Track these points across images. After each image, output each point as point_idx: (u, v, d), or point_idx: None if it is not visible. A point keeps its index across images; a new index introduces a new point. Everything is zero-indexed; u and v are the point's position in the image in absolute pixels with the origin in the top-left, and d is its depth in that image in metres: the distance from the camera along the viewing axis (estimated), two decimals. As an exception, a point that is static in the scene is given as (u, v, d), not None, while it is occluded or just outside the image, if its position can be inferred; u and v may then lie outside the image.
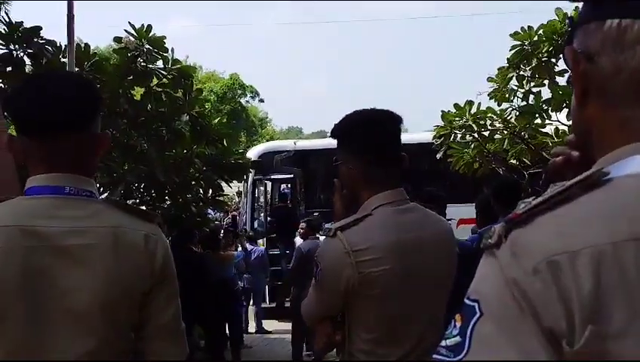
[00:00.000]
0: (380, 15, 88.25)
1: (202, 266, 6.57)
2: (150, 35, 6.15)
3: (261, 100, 36.89)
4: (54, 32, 6.66)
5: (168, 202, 6.94)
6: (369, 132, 1.65)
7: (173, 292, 1.38)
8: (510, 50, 5.88)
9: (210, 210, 9.53)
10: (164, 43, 6.20)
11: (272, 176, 9.63)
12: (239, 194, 13.86)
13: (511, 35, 5.81)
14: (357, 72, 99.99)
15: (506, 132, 6.45)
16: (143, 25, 6.19)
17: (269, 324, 8.89)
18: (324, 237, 1.60)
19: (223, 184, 6.85)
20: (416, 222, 1.63)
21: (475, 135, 6.44)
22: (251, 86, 34.90)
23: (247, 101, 35.50)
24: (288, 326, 7.38)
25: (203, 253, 7.27)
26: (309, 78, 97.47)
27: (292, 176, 9.53)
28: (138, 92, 6.81)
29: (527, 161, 6.48)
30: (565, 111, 6.18)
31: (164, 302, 1.35)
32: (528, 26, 5.74)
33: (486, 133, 6.47)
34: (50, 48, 6.00)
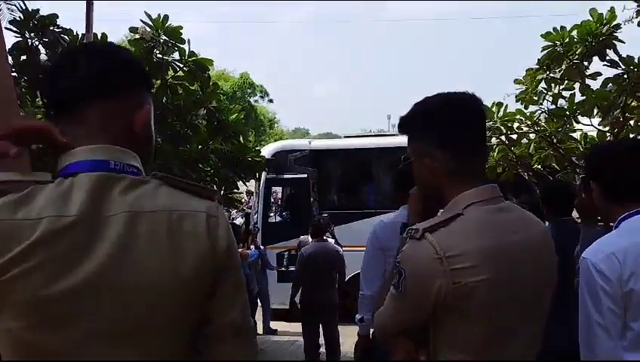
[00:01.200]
0: (394, 16, 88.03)
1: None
2: (167, 25, 5.97)
3: (270, 100, 36.81)
4: (71, 23, 6.52)
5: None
6: (459, 117, 1.41)
7: (239, 283, 1.17)
8: (542, 50, 5.66)
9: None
10: (181, 34, 6.02)
11: (286, 176, 9.42)
12: (249, 193, 13.68)
13: (542, 36, 5.59)
14: (366, 75, 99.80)
15: (533, 136, 6.23)
16: (159, 15, 6.02)
17: (275, 325, 8.75)
18: (409, 239, 1.34)
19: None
20: (515, 224, 1.39)
21: (503, 138, 6.22)
22: (261, 85, 34.82)
23: (257, 101, 35.42)
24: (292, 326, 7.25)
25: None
26: (318, 79, 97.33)
27: (306, 175, 9.33)
28: (154, 84, 6.64)
29: (555, 166, 6.25)
30: (596, 115, 5.97)
31: (229, 296, 1.14)
32: (561, 27, 5.52)
33: (514, 136, 6.26)
34: (66, 37, 5.85)
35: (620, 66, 5.31)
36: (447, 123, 1.40)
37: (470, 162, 1.40)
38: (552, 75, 5.85)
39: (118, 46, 1.31)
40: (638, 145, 1.97)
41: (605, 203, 1.94)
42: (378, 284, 3.38)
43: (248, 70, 35.87)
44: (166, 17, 5.97)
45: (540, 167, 6.60)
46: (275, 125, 41.13)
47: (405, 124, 1.50)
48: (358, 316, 3.56)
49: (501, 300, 1.30)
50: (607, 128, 5.88)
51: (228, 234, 1.15)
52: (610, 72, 5.49)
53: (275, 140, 26.45)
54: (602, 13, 5.31)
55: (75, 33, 5.85)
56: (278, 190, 10.07)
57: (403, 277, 1.31)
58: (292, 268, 8.37)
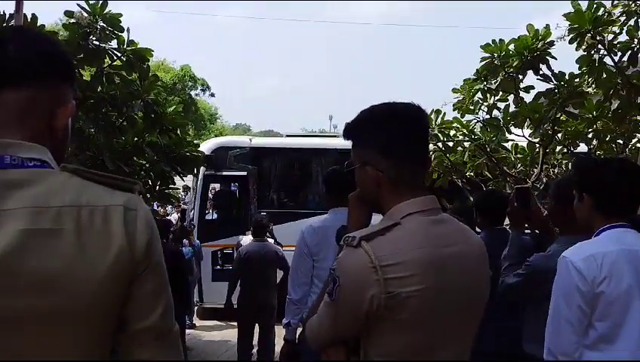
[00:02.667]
0: (338, 18, 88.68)
1: (179, 261, 6.26)
2: (105, 11, 5.73)
3: (212, 95, 36.24)
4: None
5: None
6: (404, 128, 1.41)
7: (161, 282, 1.09)
8: (480, 61, 5.82)
9: (155, 204, 9.13)
10: (120, 21, 5.79)
11: (225, 173, 9.26)
12: (185, 188, 13.37)
13: (481, 47, 5.76)
14: (310, 75, 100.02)
15: (468, 144, 6.41)
16: (97, 0, 5.77)
17: (209, 324, 8.60)
18: (345, 246, 1.32)
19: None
20: (452, 236, 1.39)
21: (439, 145, 6.36)
22: (202, 79, 34.21)
23: (197, 94, 34.78)
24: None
25: (176, 247, 6.94)
26: (260, 77, 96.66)
27: (245, 173, 9.21)
28: (88, 72, 6.36)
29: (488, 175, 6.46)
30: (527, 127, 6.21)
31: (150, 297, 1.06)
32: (499, 39, 5.70)
33: (450, 144, 6.41)
34: (-8, 16, 5.51)
35: (552, 81, 5.55)
36: (392, 132, 1.40)
37: (412, 172, 1.41)
38: (488, 85, 6.03)
39: (52, 37, 1.21)
40: (628, 167, 2.15)
41: (593, 214, 2.07)
42: (305, 289, 3.37)
43: (190, 63, 35.16)
44: (105, 3, 5.73)
45: (472, 174, 6.81)
46: (217, 120, 40.54)
47: (351, 131, 1.49)
48: (284, 320, 3.54)
49: (434, 311, 1.29)
50: (537, 140, 6.13)
51: (148, 227, 1.07)
52: (542, 86, 5.74)
53: (216, 135, 26.09)
54: (538, 29, 5.52)
55: (1, 12, 5.53)
56: (216, 187, 9.90)
57: (337, 285, 1.29)
58: (227, 267, 8.27)
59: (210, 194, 9.66)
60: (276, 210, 8.87)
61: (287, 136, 11.26)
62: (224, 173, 9.25)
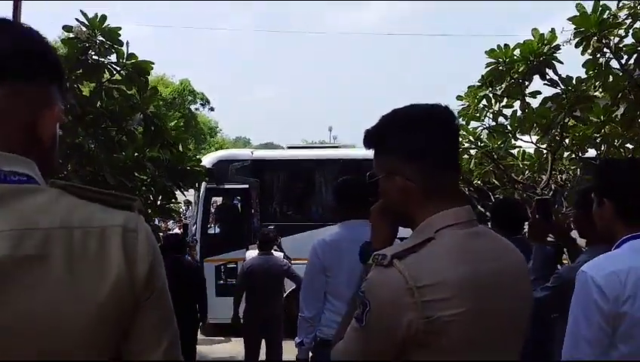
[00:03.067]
0: (335, 28, 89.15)
1: (199, 276, 6.21)
2: (104, 25, 5.66)
3: (211, 109, 36.27)
4: (-4, 15, 6.06)
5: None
6: (434, 131, 1.27)
7: (166, 313, 0.95)
8: (485, 67, 5.74)
9: (157, 219, 9.02)
10: (119, 35, 5.72)
11: (227, 186, 9.16)
12: (187, 203, 13.25)
13: (486, 53, 5.68)
14: (308, 86, 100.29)
15: (474, 151, 6.30)
16: (96, 14, 5.70)
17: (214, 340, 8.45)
18: (374, 266, 1.18)
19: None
20: (492, 251, 1.26)
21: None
22: (202, 93, 34.25)
23: (197, 108, 34.82)
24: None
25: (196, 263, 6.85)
26: (259, 89, 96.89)
27: (247, 186, 9.10)
28: (87, 87, 6.28)
29: (495, 182, 6.35)
30: (534, 133, 6.11)
31: (154, 330, 0.93)
32: (505, 44, 5.62)
33: (456, 151, 6.30)
34: (-10, 33, 5.44)
35: (559, 86, 5.46)
36: (420, 136, 1.26)
37: (444, 180, 1.27)
38: (493, 92, 5.94)
39: (39, 33, 1.08)
40: None
41: (614, 221, 1.91)
42: (318, 306, 3.23)
43: (189, 77, 35.20)
44: (103, 17, 5.66)
45: (480, 182, 6.70)
46: (217, 134, 40.57)
47: (372, 138, 1.34)
48: (297, 339, 3.38)
49: (477, 336, 1.16)
50: (544, 146, 6.03)
51: (150, 250, 0.93)
52: (549, 91, 5.64)
53: (216, 149, 26.00)
54: (543, 34, 5.44)
55: None
56: (218, 201, 9.79)
57: (367, 310, 1.15)
58: (231, 282, 8.14)
59: (212, 208, 9.55)
60: (279, 223, 8.75)
61: (289, 147, 11.16)
62: (226, 187, 9.15)
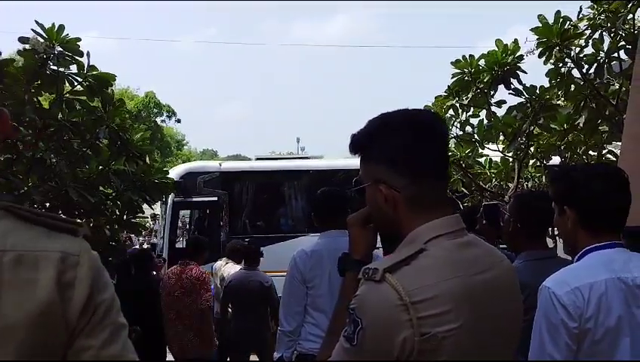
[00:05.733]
0: (303, 40, 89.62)
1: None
2: (62, 36, 5.52)
3: (178, 120, 35.88)
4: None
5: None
6: (424, 139, 1.21)
7: (114, 329, 0.93)
8: (451, 77, 5.82)
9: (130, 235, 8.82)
10: (79, 46, 5.57)
11: (195, 199, 9.01)
12: (154, 217, 13.02)
13: (452, 63, 5.76)
14: (275, 98, 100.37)
15: (442, 160, 6.36)
16: (53, 24, 5.54)
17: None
18: (364, 281, 1.13)
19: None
20: (483, 261, 1.21)
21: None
22: (168, 105, 33.87)
23: (163, 120, 34.40)
24: None
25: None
26: (225, 101, 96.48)
27: (216, 198, 8.97)
28: (47, 99, 6.10)
29: (464, 190, 6.42)
30: (500, 141, 6.21)
31: (104, 345, 0.91)
32: (470, 55, 5.72)
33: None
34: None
35: (524, 95, 5.57)
36: (409, 144, 1.21)
37: (433, 189, 1.22)
38: (460, 101, 6.03)
39: None
40: (615, 173, 1.86)
41: (576, 230, 1.81)
42: (299, 319, 3.17)
43: (154, 90, 34.82)
44: (61, 27, 5.49)
45: (448, 191, 6.76)
46: (184, 146, 40.15)
47: (360, 143, 1.28)
48: (276, 354, 3.27)
49: (473, 349, 1.11)
50: (510, 154, 6.13)
51: (92, 276, 0.91)
52: (514, 100, 5.76)
53: (183, 161, 25.72)
54: (507, 44, 5.54)
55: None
56: (186, 213, 9.64)
57: (360, 328, 1.08)
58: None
59: (180, 222, 9.40)
60: (248, 235, 8.66)
61: (257, 159, 11.08)
62: (194, 199, 9.01)
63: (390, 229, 1.26)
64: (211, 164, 10.19)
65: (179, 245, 9.24)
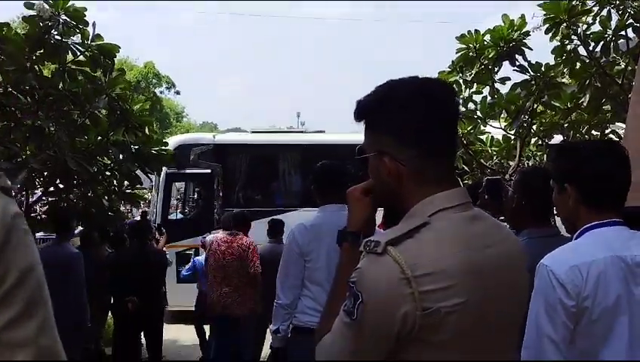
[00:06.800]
0: (306, 14, 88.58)
1: (164, 263, 6.00)
2: (68, 4, 5.42)
3: (177, 92, 35.65)
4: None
5: (77, 193, 6.22)
6: (434, 109, 1.14)
7: (30, 312, 0.80)
8: (456, 52, 5.74)
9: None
10: (85, 15, 5.48)
11: (188, 171, 8.97)
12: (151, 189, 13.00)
13: (457, 38, 5.68)
14: (276, 72, 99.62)
15: (443, 137, 6.32)
16: (59, -8, 5.44)
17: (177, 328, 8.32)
18: (366, 253, 1.08)
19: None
20: (490, 235, 1.16)
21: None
22: (167, 76, 33.60)
23: (162, 92, 34.16)
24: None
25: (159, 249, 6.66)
26: (227, 74, 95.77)
27: (210, 171, 8.93)
28: (48, 68, 6.03)
29: (464, 168, 6.39)
30: (502, 119, 6.16)
31: (19, 319, 0.79)
32: (475, 30, 5.63)
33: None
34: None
35: (529, 72, 5.50)
36: (418, 115, 1.14)
37: (441, 163, 1.17)
38: (463, 77, 5.96)
39: None
40: (617, 150, 1.81)
41: (577, 208, 1.77)
42: (296, 293, 3.16)
43: (153, 60, 34.48)
44: (68, -6, 5.41)
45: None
46: (183, 119, 39.96)
47: (365, 111, 1.21)
48: (272, 326, 3.27)
49: (477, 327, 1.08)
50: (513, 132, 6.09)
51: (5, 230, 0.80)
52: (518, 78, 5.69)
53: (182, 134, 25.60)
54: (513, 20, 5.46)
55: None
56: (179, 185, 9.61)
57: (360, 302, 1.05)
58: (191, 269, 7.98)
59: (173, 193, 9.37)
60: (242, 208, 8.64)
61: (253, 132, 10.99)
62: (187, 171, 8.97)
63: (393, 202, 1.21)
64: (205, 136, 10.09)
65: (171, 217, 9.22)
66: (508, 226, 2.55)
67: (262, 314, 5.39)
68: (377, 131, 1.19)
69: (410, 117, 1.15)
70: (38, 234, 6.87)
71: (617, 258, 1.67)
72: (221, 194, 8.99)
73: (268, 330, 3.39)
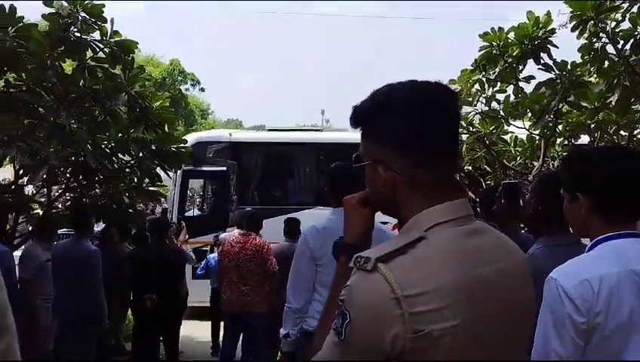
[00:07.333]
0: (328, 10, 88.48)
1: (183, 262, 6.03)
2: (87, 2, 5.46)
3: (202, 89, 35.90)
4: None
5: (98, 190, 6.27)
6: (432, 116, 1.08)
7: None
8: (479, 50, 5.61)
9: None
10: (103, 12, 5.52)
11: (204, 168, 9.00)
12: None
13: (480, 36, 5.55)
14: (301, 69, 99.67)
15: (465, 137, 6.20)
16: (78, -11, 5.48)
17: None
18: (356, 270, 1.03)
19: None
20: (491, 252, 1.09)
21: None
22: (192, 74, 33.85)
23: (187, 89, 34.45)
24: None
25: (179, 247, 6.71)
26: (252, 71, 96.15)
27: (225, 168, 8.95)
28: (69, 65, 6.09)
29: (487, 168, 6.26)
30: (527, 118, 6.01)
31: None
32: (499, 27, 5.50)
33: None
34: (-33, 8, 5.24)
35: (554, 70, 5.34)
36: (417, 122, 1.08)
37: (440, 173, 1.10)
38: (487, 76, 5.83)
39: None
40: (631, 154, 1.73)
41: (590, 218, 1.67)
42: (307, 297, 3.11)
43: (179, 57, 34.80)
44: (86, -9, 5.45)
45: (470, 168, 6.61)
46: (209, 116, 40.25)
47: (361, 118, 1.15)
48: (282, 330, 3.22)
49: (471, 349, 1.01)
50: (537, 132, 5.93)
51: None
52: (543, 76, 5.54)
53: (207, 130, 25.77)
54: (539, 17, 5.31)
55: (-22, 4, 5.24)
56: (195, 183, 9.68)
57: (347, 322, 0.99)
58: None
59: (189, 191, 9.45)
60: (257, 206, 8.63)
61: (269, 130, 11.01)
62: (203, 169, 9.01)
63: (389, 213, 1.16)
64: (221, 134, 10.15)
65: (188, 213, 9.28)
66: (526, 231, 2.46)
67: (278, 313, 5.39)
68: (373, 139, 1.13)
69: (406, 125, 1.09)
70: (61, 230, 6.95)
71: (631, 272, 1.57)
72: (236, 191, 9.02)
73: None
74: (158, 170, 6.08)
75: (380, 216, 1.25)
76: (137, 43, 5.80)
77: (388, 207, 1.15)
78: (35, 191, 6.69)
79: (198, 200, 10.23)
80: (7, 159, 5.72)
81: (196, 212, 9.73)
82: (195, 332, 7.99)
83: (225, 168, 8.94)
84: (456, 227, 1.08)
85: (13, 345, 0.87)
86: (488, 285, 1.05)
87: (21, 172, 5.69)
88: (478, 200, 3.93)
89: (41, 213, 5.97)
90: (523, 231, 3.03)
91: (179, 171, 8.30)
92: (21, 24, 5.39)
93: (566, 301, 1.55)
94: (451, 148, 1.14)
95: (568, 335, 1.54)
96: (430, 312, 0.97)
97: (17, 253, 5.59)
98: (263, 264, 5.60)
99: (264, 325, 5.68)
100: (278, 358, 3.38)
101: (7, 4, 5.38)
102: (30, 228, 6.23)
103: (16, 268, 5.08)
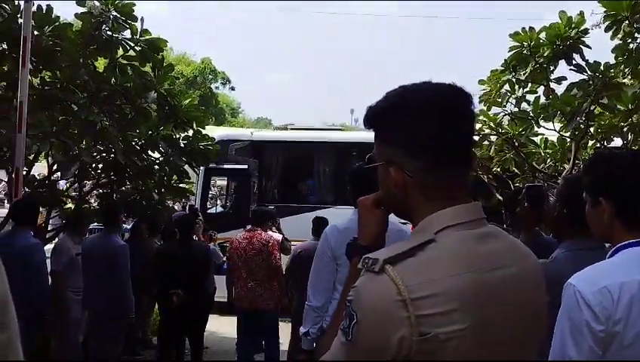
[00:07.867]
0: (357, 10, 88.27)
1: (209, 259, 6.08)
2: (117, 1, 5.58)
3: (232, 88, 36.24)
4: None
5: (128, 186, 6.39)
6: (441, 122, 1.07)
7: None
8: (509, 51, 5.53)
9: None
10: (133, 11, 5.63)
11: (226, 166, 9.11)
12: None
13: (511, 36, 5.47)
14: (331, 68, 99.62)
15: (494, 138, 6.12)
16: (109, -11, 5.60)
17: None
18: (364, 271, 1.03)
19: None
20: (501, 256, 1.08)
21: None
22: (223, 72, 34.20)
23: (217, 87, 34.81)
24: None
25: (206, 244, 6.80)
26: (281, 70, 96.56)
27: (247, 166, 9.05)
28: (101, 63, 6.23)
29: (515, 170, 6.17)
30: (558, 120, 5.90)
31: None
32: (530, 27, 5.41)
33: (476, 138, 6.13)
34: (6, 7, 5.40)
35: (586, 71, 5.23)
36: (430, 125, 1.07)
37: (450, 177, 1.09)
38: (517, 76, 5.74)
39: None
40: None
41: (612, 224, 1.63)
42: (327, 295, 3.12)
43: (210, 56, 35.19)
44: (117, -9, 5.57)
45: (499, 170, 6.52)
46: (239, 114, 40.61)
47: (373, 119, 1.15)
48: (302, 329, 3.23)
49: (478, 354, 1.01)
50: (568, 134, 5.82)
51: None
52: (575, 77, 5.43)
53: (237, 129, 25.97)
54: (571, 17, 5.21)
55: (16, 4, 5.40)
56: (217, 180, 9.81)
57: (354, 323, 0.99)
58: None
59: (211, 188, 9.58)
60: (278, 204, 8.68)
61: (292, 128, 11.09)
62: (225, 167, 9.12)
63: (401, 215, 1.16)
64: (243, 132, 10.35)
65: (210, 210, 9.40)
66: (551, 235, 2.41)
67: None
68: (385, 141, 1.13)
69: (420, 127, 1.08)
70: (92, 225, 7.11)
71: None
72: (257, 189, 9.12)
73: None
74: (186, 167, 6.17)
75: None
76: (167, 41, 5.90)
77: (400, 208, 1.15)
78: (67, 186, 6.85)
79: (220, 197, 10.37)
80: (42, 155, 5.88)
81: (218, 209, 9.84)
82: (221, 328, 8.06)
83: (246, 166, 9.04)
84: (467, 230, 1.07)
85: (14, 342, 0.88)
86: (499, 289, 1.04)
87: (54, 167, 5.84)
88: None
89: (72, 207, 6.12)
90: (544, 235, 2.97)
91: (201, 168, 8.46)
92: (57, 23, 5.55)
93: (584, 308, 1.51)
94: (465, 151, 1.13)
95: (586, 343, 1.50)
96: (437, 315, 0.97)
97: (49, 246, 5.73)
98: (269, 259, 5.67)
99: (274, 320, 5.78)
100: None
101: (44, 4, 5.55)
102: (63, 222, 6.39)
103: (48, 261, 5.20)
